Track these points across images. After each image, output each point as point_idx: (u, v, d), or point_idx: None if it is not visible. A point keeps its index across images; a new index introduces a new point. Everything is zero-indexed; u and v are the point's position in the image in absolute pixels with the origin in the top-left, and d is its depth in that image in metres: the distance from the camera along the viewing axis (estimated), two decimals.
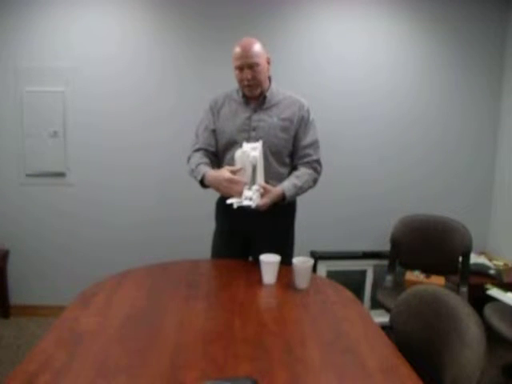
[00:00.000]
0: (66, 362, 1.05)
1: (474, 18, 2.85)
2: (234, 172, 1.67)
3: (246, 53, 1.73)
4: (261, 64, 1.75)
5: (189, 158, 1.89)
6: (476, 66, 2.90)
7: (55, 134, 2.78)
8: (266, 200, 1.67)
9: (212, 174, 1.73)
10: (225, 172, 1.68)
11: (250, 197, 1.63)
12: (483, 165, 3.00)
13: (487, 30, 2.87)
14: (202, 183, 1.78)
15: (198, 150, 1.88)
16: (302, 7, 2.77)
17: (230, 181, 1.65)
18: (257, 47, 1.75)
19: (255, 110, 1.84)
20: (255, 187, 1.65)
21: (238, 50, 1.75)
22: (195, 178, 1.80)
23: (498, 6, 2.84)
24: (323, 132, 1.92)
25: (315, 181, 1.88)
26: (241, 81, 1.78)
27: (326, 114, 2.75)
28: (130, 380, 0.99)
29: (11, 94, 2.75)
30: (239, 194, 1.65)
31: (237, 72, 1.77)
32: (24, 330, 2.72)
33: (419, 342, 1.28)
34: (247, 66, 1.74)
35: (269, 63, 1.83)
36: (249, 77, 1.74)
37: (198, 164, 1.80)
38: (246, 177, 1.66)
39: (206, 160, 1.84)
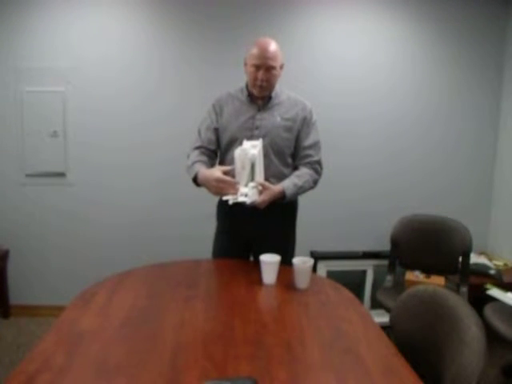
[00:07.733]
0: (66, 361, 1.05)
1: (474, 18, 2.84)
2: (226, 172, 1.66)
3: (267, 54, 1.72)
4: (276, 68, 1.77)
5: (188, 155, 1.89)
6: (476, 66, 2.90)
7: (55, 133, 2.78)
8: (265, 197, 1.66)
9: (204, 172, 1.72)
10: (215, 171, 1.67)
11: (246, 193, 1.62)
12: (483, 165, 3.00)
13: (487, 30, 2.86)
14: (196, 181, 1.78)
15: (197, 147, 1.88)
16: (302, 7, 2.77)
17: (219, 180, 1.63)
18: (277, 51, 1.76)
19: (259, 109, 1.84)
20: (252, 184, 1.64)
21: (258, 49, 1.73)
22: (190, 175, 1.80)
23: (497, 6, 2.84)
24: (322, 131, 1.92)
25: (315, 182, 1.88)
26: (254, 79, 1.76)
27: (326, 114, 2.73)
28: (129, 380, 0.99)
29: (11, 94, 2.75)
30: (230, 195, 1.63)
31: (252, 70, 1.76)
32: (24, 330, 2.72)
33: (419, 342, 1.28)
34: (265, 68, 1.73)
35: (281, 69, 1.83)
36: (264, 78, 1.74)
37: (194, 162, 1.80)
38: (244, 175, 1.65)
39: (203, 158, 1.83)
